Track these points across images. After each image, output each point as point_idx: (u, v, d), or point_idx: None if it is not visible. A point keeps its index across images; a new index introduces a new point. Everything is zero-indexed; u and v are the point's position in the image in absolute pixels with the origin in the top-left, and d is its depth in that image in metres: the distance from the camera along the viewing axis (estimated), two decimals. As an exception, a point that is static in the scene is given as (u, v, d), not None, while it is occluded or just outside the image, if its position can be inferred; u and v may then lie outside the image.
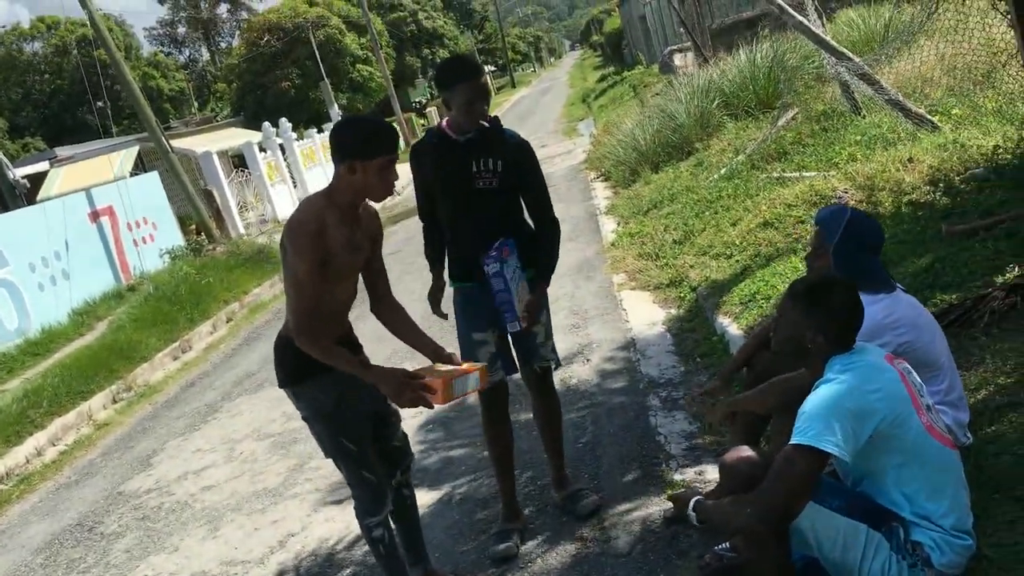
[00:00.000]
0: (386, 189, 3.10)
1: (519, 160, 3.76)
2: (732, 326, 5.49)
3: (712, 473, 4.05)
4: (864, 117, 9.28)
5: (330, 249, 3.07)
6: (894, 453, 2.61)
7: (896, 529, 2.63)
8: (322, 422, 3.29)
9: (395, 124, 38.78)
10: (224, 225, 18.61)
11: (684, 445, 4.39)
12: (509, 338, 3.85)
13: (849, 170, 7.24)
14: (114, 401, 9.38)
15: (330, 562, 4.32)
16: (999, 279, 4.47)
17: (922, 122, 8.05)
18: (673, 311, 6.57)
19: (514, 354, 3.91)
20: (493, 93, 68.14)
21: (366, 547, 4.29)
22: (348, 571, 4.19)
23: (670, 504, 3.84)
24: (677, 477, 4.08)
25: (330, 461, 5.44)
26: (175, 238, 16.70)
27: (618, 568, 3.53)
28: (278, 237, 3.23)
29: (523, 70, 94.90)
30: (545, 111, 33.04)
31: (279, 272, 14.71)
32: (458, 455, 5.08)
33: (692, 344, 5.75)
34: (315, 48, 34.23)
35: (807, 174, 7.98)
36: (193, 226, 18.53)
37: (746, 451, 2.80)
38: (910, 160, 7.06)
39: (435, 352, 3.33)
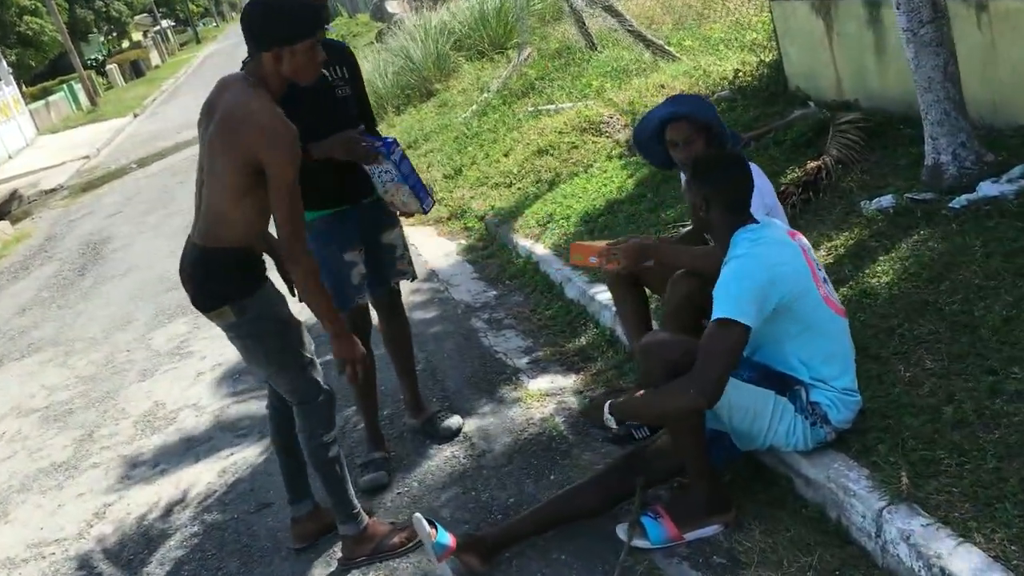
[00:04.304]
0: (316, 68, 2.89)
1: (353, 63, 3.64)
2: (537, 246, 5.59)
3: (563, 380, 4.14)
4: (601, 52, 9.75)
5: None
6: (794, 322, 2.77)
7: (799, 392, 2.82)
8: (274, 333, 2.98)
9: (77, 83, 35.33)
10: None
11: (526, 359, 4.44)
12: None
13: (610, 97, 7.58)
14: None
15: (167, 523, 3.93)
16: (783, 179, 4.90)
17: (662, 53, 8.59)
18: (463, 241, 6.58)
19: None
20: (177, 50, 63.71)
21: (203, 504, 3.99)
22: (189, 531, 3.83)
23: (534, 412, 3.90)
24: (532, 387, 4.12)
25: (128, 423, 5.05)
26: None
27: (504, 477, 3.51)
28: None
29: (204, 25, 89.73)
30: (244, 65, 31.56)
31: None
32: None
33: (496, 269, 5.80)
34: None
35: (563, 106, 8.26)
36: None
37: (663, 335, 2.87)
38: (662, 86, 7.52)
39: None
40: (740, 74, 7.12)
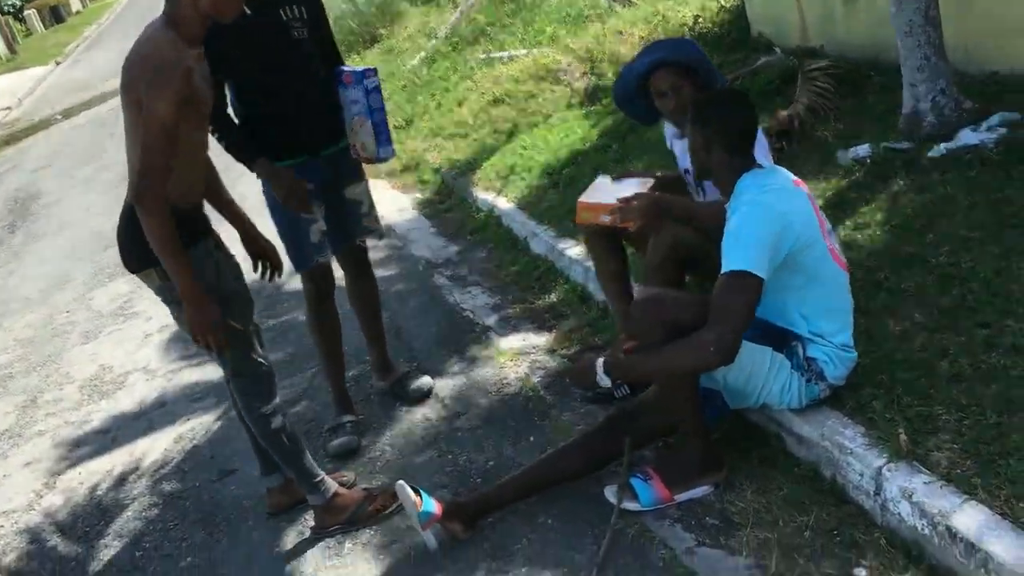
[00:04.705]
0: (239, 2, 2.65)
1: (314, 3, 3.39)
2: (500, 200, 5.43)
3: (535, 338, 4.01)
4: (552, -2, 9.51)
5: (197, 88, 2.58)
6: (799, 274, 2.65)
7: (796, 347, 2.72)
8: None
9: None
10: None
11: (495, 317, 4.30)
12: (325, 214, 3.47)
13: (567, 44, 7.38)
14: None
15: (122, 493, 3.73)
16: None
17: (617, -1, 8.39)
18: (419, 195, 6.39)
19: None
20: (102, -5, 61.14)
21: (160, 472, 3.80)
22: (147, 501, 3.64)
23: (508, 372, 3.77)
24: (503, 346, 3.99)
25: (74, 388, 4.81)
26: None
27: (481, 439, 3.38)
28: None
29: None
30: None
31: None
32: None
33: (456, 224, 5.63)
34: None
35: (516, 53, 8.04)
36: None
37: (657, 291, 2.74)
38: (620, 33, 7.35)
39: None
40: (700, 20, 6.98)
